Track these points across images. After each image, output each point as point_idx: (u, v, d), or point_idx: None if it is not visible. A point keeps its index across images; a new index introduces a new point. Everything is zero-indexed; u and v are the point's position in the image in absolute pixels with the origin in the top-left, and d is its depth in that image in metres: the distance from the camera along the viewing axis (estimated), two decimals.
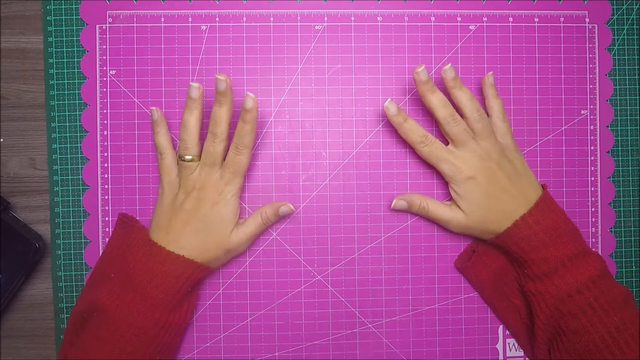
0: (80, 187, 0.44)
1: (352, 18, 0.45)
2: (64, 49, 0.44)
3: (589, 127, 0.46)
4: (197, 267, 0.38)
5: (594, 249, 0.44)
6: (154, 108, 0.41)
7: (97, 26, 0.44)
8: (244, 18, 0.44)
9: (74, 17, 0.44)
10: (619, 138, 0.46)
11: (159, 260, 0.37)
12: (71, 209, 0.44)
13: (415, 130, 0.41)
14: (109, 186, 0.44)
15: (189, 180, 0.40)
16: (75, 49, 0.44)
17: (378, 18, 0.45)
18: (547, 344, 0.40)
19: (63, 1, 0.44)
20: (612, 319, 0.37)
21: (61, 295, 0.44)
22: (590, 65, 0.46)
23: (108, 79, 0.44)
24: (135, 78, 0.44)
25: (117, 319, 0.36)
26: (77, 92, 0.44)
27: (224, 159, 0.40)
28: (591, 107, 0.46)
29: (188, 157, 0.40)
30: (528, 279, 0.40)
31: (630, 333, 0.37)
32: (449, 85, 0.41)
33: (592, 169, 0.46)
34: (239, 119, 0.39)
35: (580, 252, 0.39)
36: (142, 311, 0.36)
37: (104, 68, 0.44)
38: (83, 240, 0.44)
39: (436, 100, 0.40)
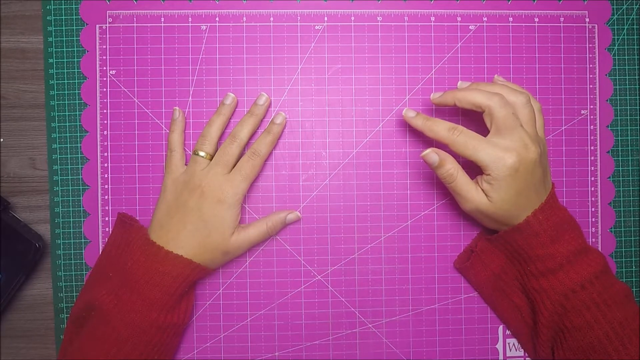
0: (80, 187, 0.44)
1: (352, 18, 0.45)
2: (64, 49, 0.44)
3: (589, 127, 0.46)
4: (196, 268, 0.38)
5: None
6: (176, 108, 0.43)
7: (97, 26, 0.44)
8: (244, 18, 0.44)
9: (74, 17, 0.44)
10: (619, 138, 0.46)
11: (158, 259, 0.37)
12: (71, 209, 0.44)
13: (440, 123, 0.39)
14: (109, 186, 0.44)
15: (196, 177, 0.40)
16: (75, 49, 0.44)
17: (378, 18, 0.45)
18: (551, 342, 0.40)
19: (63, 1, 0.44)
20: (615, 314, 0.37)
21: (61, 295, 0.44)
22: (590, 65, 0.46)
23: (108, 79, 0.44)
24: (135, 78, 0.44)
25: (115, 318, 0.36)
26: (77, 92, 0.44)
27: (234, 166, 0.41)
28: (591, 107, 0.46)
29: (202, 153, 0.40)
30: (532, 276, 0.40)
31: (632, 329, 0.37)
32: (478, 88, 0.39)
33: (592, 169, 0.46)
34: (265, 130, 0.42)
35: (583, 248, 0.39)
36: (139, 311, 0.36)
37: (104, 68, 0.44)
38: (83, 240, 0.44)
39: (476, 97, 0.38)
